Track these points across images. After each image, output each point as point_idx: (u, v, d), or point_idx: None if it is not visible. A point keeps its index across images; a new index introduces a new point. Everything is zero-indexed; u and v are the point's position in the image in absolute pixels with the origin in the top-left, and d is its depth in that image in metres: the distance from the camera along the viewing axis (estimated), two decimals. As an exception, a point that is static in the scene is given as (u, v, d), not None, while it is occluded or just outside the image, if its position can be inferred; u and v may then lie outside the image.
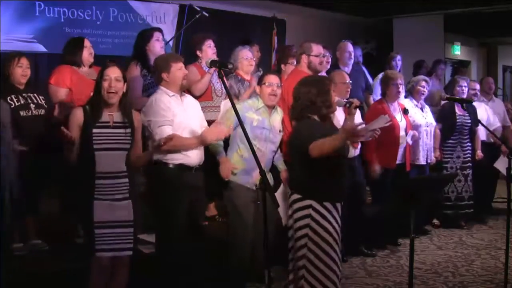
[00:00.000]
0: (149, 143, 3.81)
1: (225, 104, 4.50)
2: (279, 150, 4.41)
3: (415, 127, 5.72)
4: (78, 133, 3.31)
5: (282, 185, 4.24)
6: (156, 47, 4.85)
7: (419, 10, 9.54)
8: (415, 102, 5.92)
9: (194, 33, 5.69)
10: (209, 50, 5.16)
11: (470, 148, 6.34)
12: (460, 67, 11.01)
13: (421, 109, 5.95)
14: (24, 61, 4.28)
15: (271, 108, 4.29)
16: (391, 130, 5.19)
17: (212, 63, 3.63)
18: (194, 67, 5.05)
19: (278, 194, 4.06)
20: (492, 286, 4.63)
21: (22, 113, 4.17)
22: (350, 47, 6.34)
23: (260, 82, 4.30)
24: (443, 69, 8.01)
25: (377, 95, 6.46)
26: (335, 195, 3.48)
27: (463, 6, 9.25)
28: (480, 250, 5.63)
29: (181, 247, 3.87)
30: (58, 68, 4.57)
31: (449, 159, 6.28)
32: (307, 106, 3.49)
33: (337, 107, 4.13)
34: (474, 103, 6.41)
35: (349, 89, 4.93)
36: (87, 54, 4.58)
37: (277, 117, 4.36)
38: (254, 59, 5.45)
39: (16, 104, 4.16)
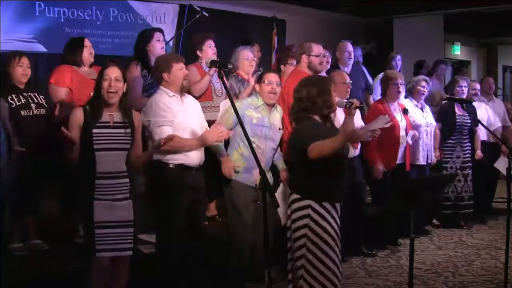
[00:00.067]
0: (149, 143, 3.81)
1: (225, 104, 4.49)
2: (279, 149, 4.41)
3: (415, 127, 5.72)
4: (78, 133, 3.31)
5: (281, 185, 4.24)
6: (157, 48, 4.85)
7: (419, 10, 9.55)
8: (415, 102, 5.92)
9: (194, 33, 5.69)
10: (209, 50, 5.16)
11: (469, 148, 6.34)
12: (461, 67, 11.02)
13: (421, 109, 5.95)
14: (25, 61, 4.27)
15: (271, 106, 4.29)
16: (391, 130, 5.19)
17: (212, 63, 3.63)
18: (194, 67, 5.05)
19: (278, 194, 4.07)
20: (492, 286, 4.63)
21: (23, 112, 4.16)
22: (349, 47, 6.33)
23: (260, 80, 4.31)
24: (444, 69, 8.01)
25: (377, 95, 6.46)
26: (334, 195, 3.47)
27: (463, 6, 9.25)
28: (480, 250, 5.63)
29: (181, 247, 3.88)
30: (58, 68, 4.57)
31: (449, 159, 6.28)
32: (308, 107, 3.49)
33: (338, 108, 4.13)
34: (475, 103, 6.41)
35: (349, 89, 4.93)
36: (87, 54, 4.58)
37: (277, 115, 4.36)
38: (255, 59, 5.44)
39: (17, 103, 4.16)
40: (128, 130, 3.41)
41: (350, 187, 4.07)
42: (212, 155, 4.19)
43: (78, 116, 3.33)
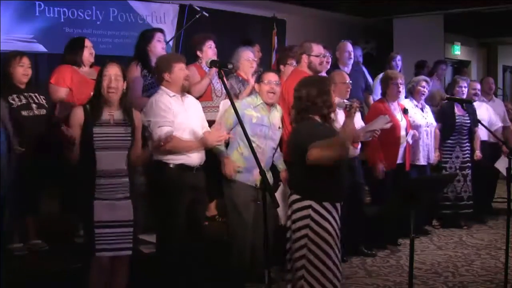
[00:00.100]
0: (149, 143, 3.81)
1: (224, 104, 4.49)
2: (278, 149, 4.41)
3: (415, 127, 5.72)
4: (79, 132, 3.31)
5: (281, 185, 4.24)
6: (158, 48, 4.84)
7: (419, 10, 9.54)
8: (416, 103, 5.92)
9: (194, 33, 5.69)
10: (209, 51, 5.15)
11: (469, 148, 6.34)
12: (461, 67, 11.02)
13: (422, 109, 5.95)
14: (26, 61, 4.27)
15: (270, 105, 4.29)
16: (391, 130, 5.20)
17: (212, 63, 3.63)
18: (193, 67, 5.04)
19: (278, 194, 4.06)
20: (492, 286, 4.63)
21: (24, 113, 4.16)
22: (349, 47, 6.34)
23: (259, 79, 4.31)
24: (444, 70, 8.02)
25: (377, 95, 6.46)
26: (334, 195, 3.47)
27: (463, 6, 9.25)
28: (480, 250, 5.63)
29: (181, 247, 3.88)
30: (59, 68, 4.57)
31: (448, 159, 6.28)
32: (308, 107, 3.49)
33: (338, 109, 4.13)
34: (476, 103, 6.41)
35: (349, 89, 4.93)
36: (88, 54, 4.58)
37: (276, 114, 4.36)
38: (256, 59, 5.44)
39: (18, 103, 4.16)
40: (129, 129, 3.41)
41: (349, 187, 4.07)
42: (212, 155, 4.19)
43: (78, 115, 3.33)
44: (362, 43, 9.27)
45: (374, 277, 4.82)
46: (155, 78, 4.20)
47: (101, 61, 4.20)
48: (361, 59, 7.14)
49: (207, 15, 6.42)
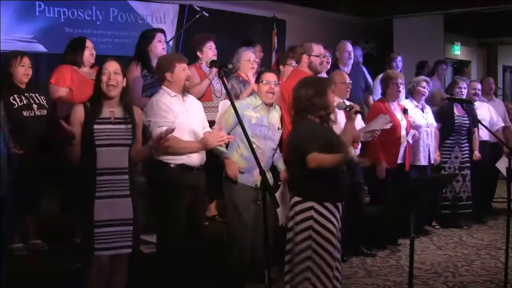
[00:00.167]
0: (149, 142, 3.81)
1: (223, 104, 4.49)
2: (278, 150, 4.41)
3: (416, 127, 5.72)
4: (79, 130, 3.29)
5: (281, 185, 4.24)
6: (158, 48, 4.84)
7: (419, 10, 9.55)
8: (416, 103, 5.92)
9: (194, 33, 5.68)
10: (209, 52, 5.15)
11: (468, 148, 6.34)
12: (461, 67, 11.01)
13: (422, 109, 5.94)
14: (26, 61, 4.27)
15: (269, 106, 4.29)
16: (392, 130, 5.20)
17: (212, 63, 3.63)
18: (193, 68, 5.03)
19: (277, 194, 4.06)
20: (492, 286, 4.63)
21: (25, 113, 4.16)
22: (349, 47, 6.34)
23: (258, 80, 4.30)
24: (445, 70, 8.02)
25: (377, 95, 6.46)
26: (335, 195, 3.47)
27: (463, 6, 9.25)
28: (480, 250, 5.63)
29: (181, 247, 3.87)
30: (59, 68, 4.57)
31: (447, 160, 6.27)
32: (307, 107, 3.49)
33: (338, 111, 4.13)
34: (477, 103, 6.41)
35: (349, 89, 4.93)
36: (88, 55, 4.58)
37: (276, 114, 4.35)
38: (257, 60, 5.43)
39: (19, 104, 4.16)
40: (129, 126, 3.39)
41: (349, 187, 4.07)
42: (213, 156, 4.19)
43: (79, 112, 3.33)
44: (362, 43, 9.27)
45: (374, 277, 4.82)
46: (156, 77, 4.20)
47: (101, 61, 4.20)
48: (361, 59, 7.14)
49: (207, 15, 6.42)
